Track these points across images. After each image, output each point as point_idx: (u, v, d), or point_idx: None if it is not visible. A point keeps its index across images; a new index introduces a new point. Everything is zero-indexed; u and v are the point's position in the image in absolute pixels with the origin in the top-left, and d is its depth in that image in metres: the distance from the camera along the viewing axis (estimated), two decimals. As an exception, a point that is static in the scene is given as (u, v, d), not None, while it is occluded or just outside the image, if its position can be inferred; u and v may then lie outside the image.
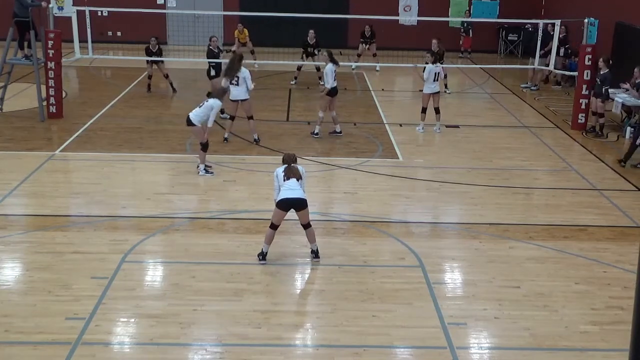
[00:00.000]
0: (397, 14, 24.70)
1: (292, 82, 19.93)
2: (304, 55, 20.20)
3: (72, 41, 17.27)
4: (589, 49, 15.77)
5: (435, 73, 15.22)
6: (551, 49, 18.42)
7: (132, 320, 7.66)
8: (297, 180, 8.84)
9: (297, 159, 9.34)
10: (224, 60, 16.50)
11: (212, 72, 16.55)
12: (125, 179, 12.08)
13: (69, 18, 16.89)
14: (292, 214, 8.89)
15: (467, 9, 25.86)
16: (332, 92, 14.60)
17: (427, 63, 15.29)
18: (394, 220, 10.65)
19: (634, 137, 13.46)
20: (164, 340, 7.27)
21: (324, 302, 8.14)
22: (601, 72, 15.30)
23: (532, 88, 20.48)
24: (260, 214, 10.63)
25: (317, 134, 14.69)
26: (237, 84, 13.88)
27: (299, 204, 8.77)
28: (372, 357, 7.12)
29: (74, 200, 11.11)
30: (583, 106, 15.92)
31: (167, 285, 8.47)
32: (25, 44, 15.87)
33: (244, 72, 13.93)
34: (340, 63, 15.31)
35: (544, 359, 7.20)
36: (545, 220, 10.75)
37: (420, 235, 10.25)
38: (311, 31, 19.82)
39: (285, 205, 8.76)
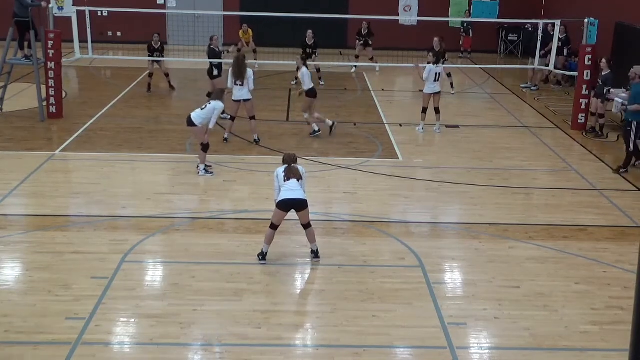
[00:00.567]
0: (397, 14, 24.71)
1: (292, 83, 19.93)
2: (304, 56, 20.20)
3: (72, 41, 17.28)
4: (589, 49, 15.77)
5: (436, 73, 15.22)
6: (551, 49, 18.44)
7: (132, 320, 7.66)
8: (298, 180, 8.85)
9: (297, 159, 9.35)
10: (226, 60, 16.51)
11: (215, 72, 16.54)
12: (125, 179, 12.08)
13: (69, 18, 16.90)
14: (292, 214, 8.90)
15: (467, 9, 25.87)
16: (311, 94, 14.59)
17: (428, 63, 15.29)
18: (393, 220, 10.65)
19: (627, 142, 13.28)
20: (164, 340, 7.27)
21: (324, 302, 8.15)
22: (603, 73, 15.30)
23: (532, 88, 20.49)
24: (260, 214, 10.63)
25: (317, 131, 14.69)
26: (242, 85, 13.91)
27: (300, 205, 8.78)
28: (372, 357, 7.12)
29: (74, 200, 11.11)
30: (583, 106, 15.92)
31: (167, 285, 8.47)
32: (25, 44, 15.88)
33: (248, 72, 13.97)
34: (341, 63, 15.31)
35: (544, 359, 7.21)
36: (545, 220, 10.75)
37: (420, 235, 10.25)
38: (309, 31, 19.78)
39: (285, 205, 8.77)
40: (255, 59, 21.50)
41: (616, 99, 15.72)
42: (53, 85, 15.57)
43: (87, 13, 17.91)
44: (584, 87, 15.81)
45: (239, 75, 13.84)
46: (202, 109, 12.18)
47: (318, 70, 19.79)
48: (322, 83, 19.82)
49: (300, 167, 9.07)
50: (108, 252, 9.16)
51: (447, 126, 16.05)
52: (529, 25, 23.70)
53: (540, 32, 18.96)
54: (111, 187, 11.60)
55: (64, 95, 16.61)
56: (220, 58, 16.70)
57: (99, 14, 22.14)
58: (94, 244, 9.46)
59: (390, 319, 7.79)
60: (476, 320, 7.84)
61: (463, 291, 8.60)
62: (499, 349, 7.39)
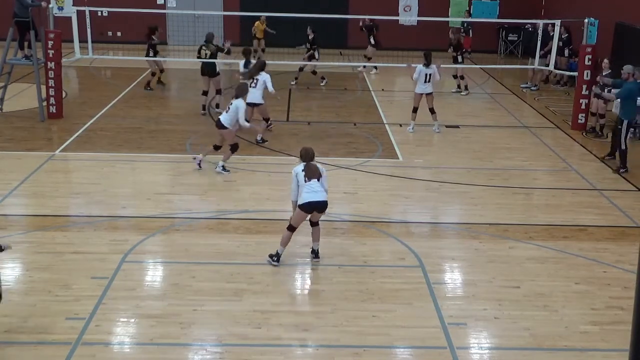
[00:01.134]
0: (397, 14, 24.71)
1: (292, 82, 19.92)
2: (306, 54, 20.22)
3: (72, 41, 17.26)
4: (589, 49, 15.77)
5: (426, 74, 15.17)
6: (551, 49, 18.43)
7: (132, 320, 7.66)
8: (318, 180, 8.73)
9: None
10: (228, 61, 16.57)
11: (217, 69, 16.65)
12: (125, 179, 12.08)
13: (69, 18, 16.88)
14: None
15: (467, 9, 25.86)
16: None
17: (426, 65, 15.29)
18: (394, 220, 10.65)
19: (618, 141, 13.32)
20: (164, 340, 7.27)
21: (324, 302, 8.15)
22: (604, 73, 15.29)
23: (532, 88, 20.49)
24: (260, 214, 10.63)
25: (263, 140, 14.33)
26: (255, 86, 13.93)
27: (322, 207, 8.77)
28: (372, 357, 7.12)
29: (74, 200, 11.12)
30: (583, 106, 15.93)
31: (167, 285, 8.47)
32: (26, 44, 15.88)
33: (264, 76, 13.96)
34: (341, 63, 15.30)
35: (544, 359, 7.21)
36: (545, 220, 10.75)
37: (420, 235, 10.25)
38: (309, 27, 19.72)
39: (309, 208, 8.71)
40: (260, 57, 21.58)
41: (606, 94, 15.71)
42: (53, 85, 15.57)
43: (87, 13, 17.89)
44: (584, 87, 15.81)
45: (253, 73, 14.01)
46: (227, 111, 12.20)
47: (314, 72, 19.70)
48: (322, 84, 19.83)
49: (318, 165, 8.90)
50: (108, 252, 9.16)
51: (447, 126, 16.05)
52: (529, 25, 23.70)
53: (540, 32, 18.96)
54: (111, 187, 11.60)
55: (64, 95, 16.61)
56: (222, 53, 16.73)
57: (99, 14, 22.13)
58: (94, 244, 9.46)
59: (390, 319, 7.79)
60: (476, 320, 7.84)
61: (463, 291, 8.60)
62: (499, 349, 7.39)
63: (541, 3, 24.89)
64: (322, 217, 9.07)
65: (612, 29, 18.62)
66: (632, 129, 15.31)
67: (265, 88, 14.08)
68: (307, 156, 8.89)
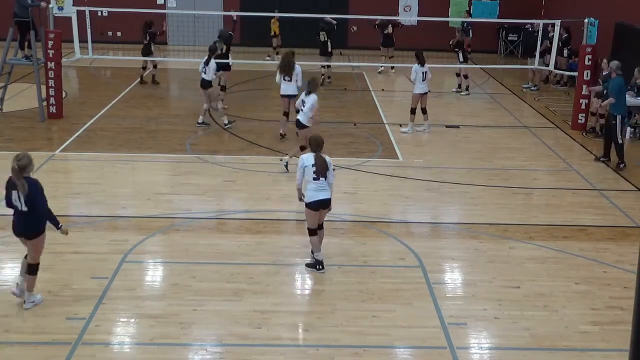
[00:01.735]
0: (397, 14, 24.70)
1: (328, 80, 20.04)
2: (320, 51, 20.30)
3: (72, 41, 17.27)
4: (589, 49, 15.77)
5: (423, 73, 15.18)
6: (546, 48, 18.48)
7: (132, 320, 7.66)
8: (325, 177, 8.68)
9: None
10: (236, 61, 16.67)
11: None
12: (125, 179, 12.08)
13: (69, 18, 16.89)
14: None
15: (467, 8, 25.86)
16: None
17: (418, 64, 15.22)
18: (394, 220, 10.65)
19: (611, 135, 13.36)
20: (164, 340, 7.27)
21: (324, 302, 8.14)
22: (604, 73, 15.29)
23: (532, 88, 20.48)
24: (260, 214, 10.63)
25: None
26: (290, 80, 14.11)
27: (328, 204, 8.77)
28: (372, 357, 7.12)
29: (74, 200, 11.11)
30: (583, 106, 15.93)
31: (167, 285, 8.47)
32: (26, 44, 15.87)
33: (298, 69, 14.12)
34: (341, 63, 15.29)
35: (544, 359, 7.20)
36: (545, 220, 10.75)
37: (420, 235, 10.25)
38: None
39: (318, 206, 8.68)
40: (277, 53, 21.67)
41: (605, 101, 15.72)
42: (53, 85, 15.57)
43: (87, 13, 17.90)
44: (584, 87, 15.82)
45: (288, 71, 14.06)
46: (302, 110, 12.24)
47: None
48: (328, 80, 19.92)
49: (327, 158, 8.79)
50: (108, 252, 9.16)
51: (447, 126, 16.06)
52: (529, 25, 23.70)
53: (540, 32, 18.96)
54: (111, 187, 11.60)
55: (64, 95, 16.61)
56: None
57: (99, 14, 22.14)
58: (94, 244, 9.46)
59: (390, 319, 7.79)
60: (476, 320, 7.84)
61: (463, 291, 8.59)
62: (499, 349, 7.39)
63: (541, 3, 24.89)
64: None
65: (612, 29, 18.62)
66: (632, 129, 15.37)
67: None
68: (317, 145, 8.77)
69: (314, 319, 7.80)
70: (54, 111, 15.67)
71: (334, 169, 8.91)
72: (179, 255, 9.20)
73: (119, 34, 25.67)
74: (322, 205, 8.70)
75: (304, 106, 12.29)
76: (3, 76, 16.16)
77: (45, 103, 15.62)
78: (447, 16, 25.50)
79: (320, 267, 8.83)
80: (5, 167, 12.29)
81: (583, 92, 15.84)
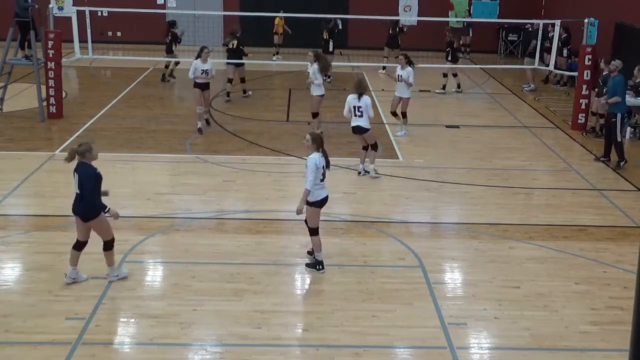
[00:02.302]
0: (397, 14, 24.69)
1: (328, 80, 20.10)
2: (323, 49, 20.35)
3: (72, 41, 17.28)
4: (589, 49, 15.77)
5: (398, 75, 14.88)
6: (535, 47, 18.55)
7: (132, 320, 7.66)
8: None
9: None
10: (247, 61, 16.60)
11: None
12: (125, 179, 12.08)
13: (69, 18, 16.89)
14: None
15: (467, 8, 25.86)
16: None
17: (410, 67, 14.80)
18: (394, 220, 10.65)
19: (610, 134, 13.37)
20: (164, 340, 7.27)
21: (324, 302, 8.14)
22: (603, 73, 15.29)
23: (525, 88, 20.36)
24: (260, 214, 10.63)
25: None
26: (317, 80, 14.17)
27: (327, 201, 8.84)
28: (372, 357, 7.12)
29: (74, 200, 11.10)
30: (583, 106, 15.93)
31: (167, 285, 8.47)
32: (26, 44, 15.87)
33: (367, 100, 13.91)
34: (341, 63, 15.28)
35: (544, 359, 7.20)
36: (545, 220, 10.75)
37: (420, 235, 10.25)
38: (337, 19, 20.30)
39: (324, 203, 8.73)
40: (277, 52, 21.60)
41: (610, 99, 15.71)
42: (53, 85, 15.57)
43: (87, 13, 17.91)
44: (584, 87, 15.82)
45: (327, 69, 14.30)
46: (360, 113, 11.95)
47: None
48: (328, 80, 19.93)
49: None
50: (108, 252, 9.15)
51: (447, 126, 16.07)
52: (529, 25, 23.70)
53: (540, 32, 18.97)
54: (111, 187, 11.52)
55: (64, 95, 16.61)
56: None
57: (99, 14, 22.15)
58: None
59: (390, 319, 7.79)
60: (476, 320, 7.84)
61: (463, 291, 8.59)
62: (499, 349, 7.39)
63: (541, 3, 24.89)
64: (322, 217, 9.07)
65: (612, 29, 18.62)
66: (632, 129, 15.38)
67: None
68: (320, 142, 8.72)
69: (314, 319, 7.80)
70: (54, 111, 15.67)
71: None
72: (179, 255, 9.20)
73: (119, 34, 25.67)
74: (325, 202, 8.75)
75: (359, 111, 11.95)
76: (3, 76, 16.16)
77: (45, 103, 15.62)
78: (447, 16, 25.50)
79: (321, 267, 8.84)
80: (5, 167, 12.39)
81: (583, 92, 15.84)
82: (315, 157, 8.53)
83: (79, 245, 8.25)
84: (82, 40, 17.66)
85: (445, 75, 19.78)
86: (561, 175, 12.96)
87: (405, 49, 22.45)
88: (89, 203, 8.06)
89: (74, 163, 8.15)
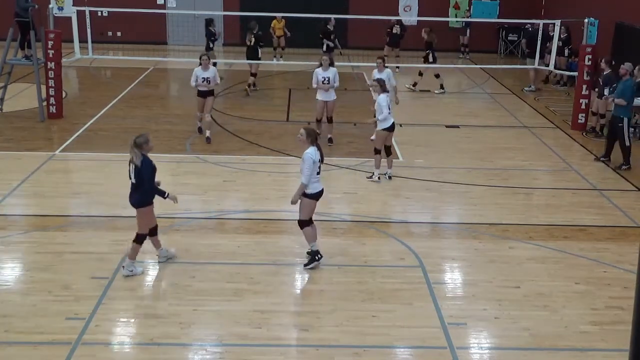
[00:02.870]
0: (397, 14, 24.69)
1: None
2: (324, 47, 20.37)
3: (72, 41, 17.27)
4: (589, 49, 15.77)
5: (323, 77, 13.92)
6: (527, 46, 18.59)
7: (132, 320, 7.66)
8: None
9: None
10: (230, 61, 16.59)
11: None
12: (125, 179, 12.00)
13: (69, 18, 16.88)
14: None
15: (468, 8, 25.87)
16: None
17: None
18: (394, 220, 10.65)
19: (616, 136, 13.34)
20: (164, 340, 7.27)
21: (324, 302, 8.14)
22: (604, 73, 15.30)
23: (526, 90, 20.32)
24: (260, 214, 10.63)
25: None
26: (329, 83, 13.86)
27: (322, 194, 8.90)
28: (372, 357, 7.12)
29: (74, 200, 11.11)
30: (583, 106, 15.93)
31: (167, 285, 8.47)
32: (26, 44, 15.87)
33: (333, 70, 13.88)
34: (341, 63, 15.23)
35: (544, 359, 7.21)
36: (545, 220, 10.75)
37: (420, 235, 10.24)
38: (332, 18, 20.26)
39: (319, 196, 8.81)
40: (281, 56, 21.59)
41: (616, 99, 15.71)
42: (53, 85, 15.56)
43: (87, 13, 17.89)
44: (584, 87, 15.82)
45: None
46: (383, 117, 11.77)
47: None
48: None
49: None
50: (108, 252, 9.16)
51: (447, 126, 16.07)
52: (529, 25, 23.70)
53: (540, 32, 18.97)
54: (111, 187, 11.59)
55: (64, 95, 16.61)
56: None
57: (99, 14, 22.13)
58: (94, 244, 9.46)
59: (390, 319, 7.79)
60: (476, 320, 7.84)
61: (463, 291, 8.59)
62: (499, 349, 7.39)
63: (541, 3, 24.89)
64: (322, 217, 9.08)
65: (612, 29, 18.62)
66: (632, 129, 15.35)
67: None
68: (315, 136, 8.78)
69: (314, 319, 7.80)
70: (54, 111, 15.67)
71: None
72: (179, 255, 9.19)
73: (119, 34, 25.67)
74: (321, 194, 8.85)
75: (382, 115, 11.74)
76: (3, 76, 16.16)
77: (45, 103, 15.62)
78: (447, 16, 25.50)
79: (319, 256, 8.87)
80: (5, 167, 12.39)
81: (583, 92, 15.84)
82: (311, 152, 8.61)
83: (151, 231, 8.71)
84: (82, 40, 17.65)
85: (437, 75, 19.69)
86: (561, 175, 12.96)
87: (405, 49, 22.57)
88: (145, 192, 8.44)
89: (122, 155, 8.49)
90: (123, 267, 8.62)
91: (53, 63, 15.50)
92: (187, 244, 9.52)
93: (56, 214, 10.50)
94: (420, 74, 19.75)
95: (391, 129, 12.04)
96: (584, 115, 15.95)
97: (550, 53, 18.48)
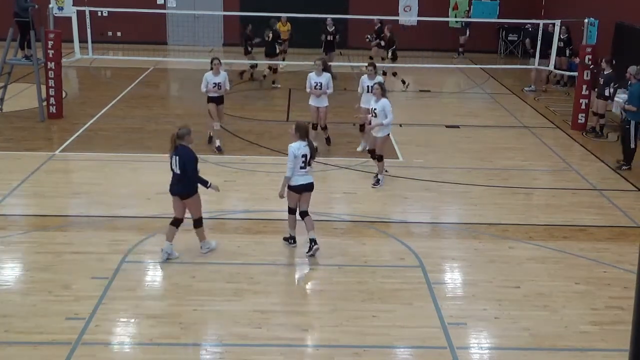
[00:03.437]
0: (397, 14, 24.70)
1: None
2: (324, 48, 20.34)
3: (72, 41, 17.28)
4: (589, 49, 15.77)
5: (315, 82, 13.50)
6: (530, 46, 18.59)
7: (132, 320, 7.66)
8: (310, 164, 9.15)
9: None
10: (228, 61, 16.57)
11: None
12: (125, 179, 12.08)
13: (69, 18, 16.90)
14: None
15: (467, 9, 25.87)
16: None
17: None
18: (394, 220, 10.64)
19: (627, 139, 13.32)
20: (164, 340, 7.27)
21: (324, 302, 8.14)
22: (604, 73, 15.30)
23: (526, 89, 20.32)
24: (260, 214, 10.63)
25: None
26: (321, 88, 13.37)
27: (311, 187, 9.19)
28: (372, 357, 7.12)
29: (74, 200, 11.11)
30: (583, 106, 15.93)
31: (167, 285, 8.47)
32: (26, 44, 15.87)
33: (326, 75, 13.45)
34: (341, 63, 15.18)
35: (544, 359, 7.21)
36: (545, 221, 10.75)
37: (420, 235, 10.24)
38: (329, 19, 20.25)
39: (302, 189, 9.12)
40: (283, 59, 21.63)
41: (616, 98, 15.73)
42: (53, 85, 15.56)
43: (87, 13, 17.92)
44: (584, 87, 15.82)
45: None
46: (388, 122, 11.58)
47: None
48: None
49: (314, 143, 9.35)
50: (108, 252, 9.16)
51: (447, 126, 16.07)
52: (529, 25, 23.70)
53: (540, 32, 18.97)
54: (111, 187, 11.60)
55: (64, 95, 16.61)
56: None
57: (99, 14, 22.14)
58: (94, 244, 9.45)
59: (390, 319, 7.79)
60: (476, 320, 7.84)
61: (463, 291, 8.59)
62: (499, 349, 7.39)
63: (541, 3, 24.89)
64: (322, 217, 9.09)
65: (612, 29, 18.62)
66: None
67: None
68: (305, 131, 9.18)
69: (314, 319, 7.81)
70: (54, 111, 15.67)
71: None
72: (179, 255, 9.19)
73: (119, 34, 25.67)
74: (306, 188, 9.13)
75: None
76: (3, 76, 16.16)
77: (45, 103, 15.62)
78: (447, 16, 25.51)
79: (292, 241, 9.35)
80: (5, 167, 12.39)
81: (583, 92, 15.84)
82: (294, 147, 9.01)
83: (177, 222, 8.98)
84: (82, 40, 17.67)
85: (394, 74, 19.60)
86: (561, 175, 12.96)
87: (405, 49, 22.56)
88: (190, 182, 8.85)
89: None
90: (201, 247, 9.12)
91: (53, 63, 15.50)
92: (187, 244, 9.51)
93: (56, 214, 10.50)
94: (394, 74, 19.72)
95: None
96: (584, 115, 15.95)
97: (555, 54, 18.45)
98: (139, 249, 9.34)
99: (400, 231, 10.21)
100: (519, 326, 7.73)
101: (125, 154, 13.34)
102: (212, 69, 13.43)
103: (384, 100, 11.63)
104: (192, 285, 8.42)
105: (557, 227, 10.53)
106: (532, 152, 14.37)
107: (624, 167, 13.14)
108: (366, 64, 13.71)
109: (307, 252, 9.15)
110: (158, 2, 25.87)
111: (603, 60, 15.35)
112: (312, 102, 13.67)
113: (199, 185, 9.00)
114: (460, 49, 25.41)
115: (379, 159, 11.92)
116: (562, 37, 19.20)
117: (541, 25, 19.17)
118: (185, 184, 8.86)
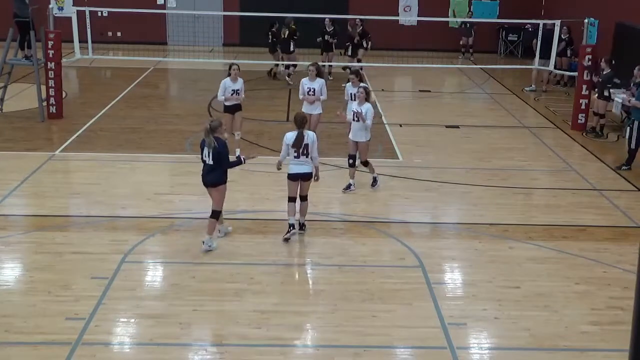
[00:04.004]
0: (397, 14, 24.71)
1: (330, 78, 19.92)
2: (322, 49, 20.36)
3: (72, 41, 17.28)
4: (589, 49, 15.77)
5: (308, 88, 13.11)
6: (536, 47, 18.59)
7: (132, 320, 7.66)
8: (306, 155, 9.41)
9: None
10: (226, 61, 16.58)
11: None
12: (125, 179, 12.08)
13: (69, 18, 16.89)
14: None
15: (468, 9, 25.86)
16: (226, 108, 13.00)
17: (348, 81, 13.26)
18: (394, 220, 10.64)
19: (630, 141, 13.32)
20: (164, 340, 7.27)
21: (324, 302, 8.14)
22: (604, 73, 15.29)
23: (527, 89, 20.32)
24: (260, 214, 10.63)
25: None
26: (314, 94, 12.90)
27: (307, 177, 9.55)
28: (372, 357, 7.12)
29: (74, 200, 11.11)
30: (583, 106, 15.93)
31: (167, 285, 8.47)
32: (26, 44, 15.87)
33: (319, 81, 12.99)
34: (341, 64, 15.17)
35: (544, 359, 7.20)
36: (545, 221, 10.75)
37: (420, 235, 10.24)
38: (327, 18, 20.30)
39: (297, 177, 9.53)
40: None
41: (616, 98, 15.73)
42: (53, 85, 15.56)
43: (87, 13, 17.90)
44: (584, 87, 15.82)
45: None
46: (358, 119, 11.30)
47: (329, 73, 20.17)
48: (330, 78, 19.91)
49: (310, 135, 9.51)
50: (108, 252, 9.16)
51: (447, 126, 16.07)
52: (529, 25, 23.70)
53: (540, 32, 18.97)
54: (111, 187, 11.60)
55: (64, 95, 16.61)
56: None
57: (99, 14, 22.14)
58: (94, 244, 9.45)
59: (390, 319, 7.79)
60: (476, 321, 7.84)
61: (463, 291, 8.59)
62: (499, 349, 7.39)
63: (541, 3, 24.89)
64: (322, 217, 9.09)
65: (612, 29, 18.63)
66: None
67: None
68: (301, 122, 9.51)
69: (314, 319, 7.80)
70: (54, 111, 15.66)
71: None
72: (179, 255, 9.20)
73: (119, 34, 25.67)
74: (302, 177, 9.51)
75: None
76: (3, 76, 16.16)
77: (45, 103, 15.61)
78: (447, 16, 25.50)
79: (292, 228, 9.56)
80: (5, 167, 12.38)
81: (583, 92, 15.84)
82: (287, 135, 9.52)
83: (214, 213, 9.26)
84: (82, 40, 17.66)
85: (345, 68, 19.63)
86: (561, 175, 12.96)
87: (405, 49, 22.58)
88: (223, 171, 9.19)
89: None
90: (203, 242, 9.19)
91: (53, 63, 15.50)
92: (187, 244, 9.52)
93: (56, 214, 10.50)
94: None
95: None
96: (584, 115, 15.94)
97: (558, 54, 18.45)
98: (139, 249, 9.34)
99: (400, 231, 10.21)
100: (519, 326, 7.73)
101: (125, 154, 13.34)
102: (229, 74, 12.66)
103: (367, 105, 11.30)
104: (192, 285, 8.42)
105: (557, 227, 10.53)
106: (532, 152, 14.37)
107: (624, 167, 13.14)
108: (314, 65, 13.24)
109: (284, 235, 9.49)
110: (158, 2, 25.87)
111: (602, 60, 15.34)
112: (305, 109, 12.83)
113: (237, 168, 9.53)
114: (470, 50, 25.30)
115: (365, 164, 11.64)
116: (563, 37, 19.21)
117: (541, 26, 19.16)
118: (219, 173, 9.18)
